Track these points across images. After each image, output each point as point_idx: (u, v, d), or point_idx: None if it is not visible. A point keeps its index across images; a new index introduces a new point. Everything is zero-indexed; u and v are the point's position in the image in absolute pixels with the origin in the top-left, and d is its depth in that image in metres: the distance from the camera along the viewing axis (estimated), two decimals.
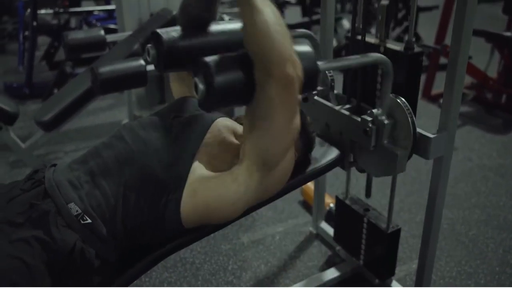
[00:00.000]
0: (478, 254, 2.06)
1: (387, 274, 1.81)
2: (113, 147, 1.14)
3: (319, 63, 1.17)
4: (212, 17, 1.21)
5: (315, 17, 5.65)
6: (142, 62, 1.67)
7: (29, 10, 3.79)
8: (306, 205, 2.41)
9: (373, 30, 1.56)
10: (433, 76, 3.75)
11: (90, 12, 4.60)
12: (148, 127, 1.18)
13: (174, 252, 1.19)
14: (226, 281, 1.93)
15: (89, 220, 1.03)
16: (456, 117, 1.37)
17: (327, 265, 2.00)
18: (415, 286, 1.65)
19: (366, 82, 1.50)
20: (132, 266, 1.13)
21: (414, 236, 2.15)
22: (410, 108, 1.34)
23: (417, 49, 1.39)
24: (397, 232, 1.73)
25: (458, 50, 1.28)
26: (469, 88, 3.71)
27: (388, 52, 1.43)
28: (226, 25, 1.23)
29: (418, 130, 1.36)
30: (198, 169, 1.11)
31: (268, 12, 1.01)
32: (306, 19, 5.85)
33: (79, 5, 4.81)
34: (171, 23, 2.58)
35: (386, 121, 1.35)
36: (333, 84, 1.61)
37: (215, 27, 1.20)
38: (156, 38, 1.17)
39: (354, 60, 1.37)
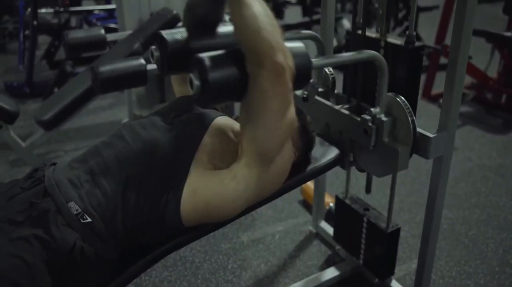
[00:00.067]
0: (477, 254, 2.06)
1: (387, 273, 1.82)
2: (113, 146, 1.14)
3: (313, 60, 1.18)
4: (219, 18, 1.20)
5: (315, 17, 5.65)
6: (142, 61, 1.67)
7: (29, 10, 3.79)
8: (306, 205, 2.41)
9: (373, 31, 1.55)
10: (433, 76, 3.75)
11: (91, 11, 4.61)
12: (148, 126, 1.18)
13: (174, 251, 1.20)
14: (226, 280, 1.93)
15: (89, 219, 1.03)
16: (456, 117, 1.38)
17: (327, 264, 2.00)
18: (414, 286, 1.65)
19: (366, 82, 1.50)
20: (132, 264, 1.13)
21: (414, 236, 2.15)
22: (409, 106, 1.34)
23: (417, 43, 1.39)
24: (397, 231, 1.73)
25: (458, 50, 1.28)
26: (469, 88, 3.71)
27: (388, 46, 1.43)
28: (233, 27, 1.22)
29: (418, 129, 1.36)
30: (197, 168, 1.11)
31: (256, 5, 1.03)
32: (306, 18, 5.86)
33: (79, 4, 4.82)
34: (171, 22, 2.59)
35: (384, 118, 1.35)
36: (334, 84, 1.62)
37: (221, 28, 1.18)
38: (160, 40, 1.17)
39: (347, 57, 1.38)
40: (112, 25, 3.96)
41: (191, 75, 1.05)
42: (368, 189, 1.82)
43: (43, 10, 4.18)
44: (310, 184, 2.27)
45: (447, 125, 1.36)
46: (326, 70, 1.61)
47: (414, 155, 1.40)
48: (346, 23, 4.61)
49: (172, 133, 1.15)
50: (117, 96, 3.84)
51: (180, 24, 2.63)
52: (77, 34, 2.63)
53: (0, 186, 1.13)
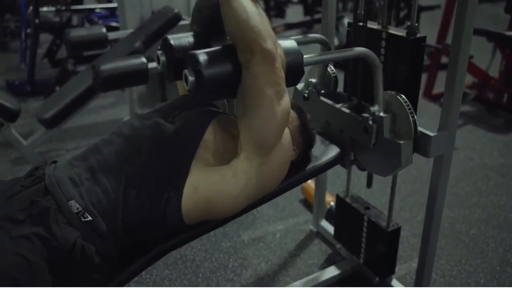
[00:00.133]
0: (478, 253, 2.06)
1: (387, 272, 1.82)
2: (113, 144, 1.14)
3: (305, 57, 1.20)
4: None
5: (316, 16, 5.65)
6: (143, 59, 1.67)
7: (31, 8, 3.79)
8: (306, 204, 2.41)
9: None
10: (435, 75, 3.75)
11: (92, 10, 4.62)
12: (149, 124, 1.18)
13: (175, 249, 1.20)
14: (226, 278, 1.93)
15: (90, 218, 1.04)
16: (456, 116, 1.38)
17: (327, 263, 2.00)
18: (415, 285, 1.65)
19: (366, 80, 1.50)
20: (133, 262, 1.13)
21: (414, 235, 2.15)
22: (410, 104, 1.34)
23: (419, 34, 1.38)
24: (397, 230, 1.73)
25: (458, 49, 1.28)
26: (471, 87, 3.71)
27: (390, 37, 1.43)
28: None
29: (419, 128, 1.36)
30: (198, 165, 1.12)
31: None
32: (308, 18, 5.86)
33: (81, 3, 4.83)
34: (173, 21, 2.59)
35: (383, 114, 1.35)
36: (336, 84, 1.62)
37: None
38: (167, 45, 1.17)
39: (338, 53, 1.39)
40: (114, 24, 3.97)
41: (185, 71, 1.06)
42: (369, 184, 1.82)
43: (44, 9, 4.18)
44: (311, 183, 2.27)
45: (448, 124, 1.36)
46: (329, 70, 1.61)
47: (416, 155, 1.40)
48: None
49: (173, 130, 1.16)
50: (119, 95, 3.85)
51: (182, 23, 2.63)
52: (79, 33, 2.64)
53: (1, 185, 1.13)
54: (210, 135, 1.16)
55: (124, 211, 1.07)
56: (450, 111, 1.35)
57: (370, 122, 1.37)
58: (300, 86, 1.70)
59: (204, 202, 1.10)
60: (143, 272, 1.89)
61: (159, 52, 1.19)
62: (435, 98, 3.70)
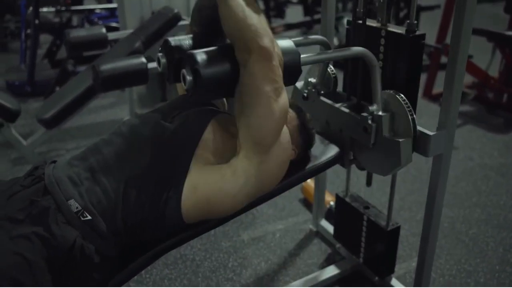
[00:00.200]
0: (478, 252, 2.06)
1: (387, 271, 1.82)
2: (113, 144, 1.15)
3: (302, 56, 1.20)
4: None
5: (316, 17, 5.66)
6: (143, 60, 1.68)
7: (31, 9, 3.80)
8: (306, 203, 2.41)
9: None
10: (435, 75, 3.75)
11: (92, 10, 4.62)
12: (148, 124, 1.18)
13: (175, 248, 1.20)
14: (226, 278, 1.93)
15: (89, 217, 1.04)
16: (455, 116, 1.38)
17: (327, 262, 2.00)
18: (414, 284, 1.65)
19: (366, 80, 1.50)
20: (133, 261, 1.13)
21: (414, 235, 2.15)
22: (409, 103, 1.34)
23: (418, 32, 1.38)
24: (397, 230, 1.73)
25: (457, 49, 1.28)
26: (471, 87, 3.71)
27: (389, 35, 1.43)
28: None
29: (418, 128, 1.36)
30: (198, 164, 1.12)
31: None
32: (307, 18, 5.86)
33: (81, 3, 4.83)
34: (172, 21, 2.60)
35: (381, 113, 1.36)
36: (336, 84, 1.62)
37: None
38: (167, 47, 1.17)
39: (335, 53, 1.39)
40: (114, 24, 3.98)
41: (183, 71, 1.07)
42: (368, 183, 1.82)
43: (44, 9, 4.19)
44: (311, 183, 2.28)
45: (447, 123, 1.36)
46: (329, 69, 1.61)
47: (415, 154, 1.40)
48: None
49: (172, 130, 1.16)
50: (118, 95, 3.85)
51: (181, 23, 2.64)
52: (79, 33, 2.64)
53: (1, 184, 1.13)
54: (209, 134, 1.17)
55: (124, 211, 1.07)
56: (449, 110, 1.35)
57: (369, 122, 1.37)
58: (299, 85, 1.71)
59: (203, 201, 1.10)
60: (143, 272, 1.89)
61: (160, 54, 1.20)
62: (435, 98, 3.70)
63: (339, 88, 1.66)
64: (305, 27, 5.85)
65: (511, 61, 3.42)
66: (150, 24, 2.66)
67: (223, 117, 1.23)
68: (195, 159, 1.12)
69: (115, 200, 1.07)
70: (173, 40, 1.17)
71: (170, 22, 2.59)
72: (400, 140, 1.33)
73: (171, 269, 1.97)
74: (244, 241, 2.15)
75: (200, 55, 1.05)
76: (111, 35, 2.70)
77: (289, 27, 5.79)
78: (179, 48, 1.16)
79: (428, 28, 4.70)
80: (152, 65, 1.52)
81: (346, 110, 1.49)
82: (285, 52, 1.14)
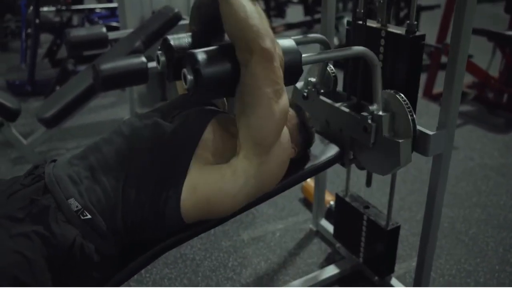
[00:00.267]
0: (478, 252, 2.06)
1: (387, 271, 1.82)
2: (113, 143, 1.15)
3: (303, 55, 1.20)
4: None
5: (317, 16, 5.66)
6: (143, 59, 1.68)
7: (31, 8, 3.80)
8: (306, 203, 2.41)
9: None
10: (435, 75, 3.75)
11: (93, 10, 4.63)
12: (148, 123, 1.18)
13: (175, 247, 1.20)
14: (226, 277, 1.93)
15: (89, 216, 1.04)
16: (455, 115, 1.38)
17: (327, 262, 2.00)
18: (414, 284, 1.65)
19: (366, 79, 1.51)
20: (133, 260, 1.14)
21: (414, 234, 2.15)
22: (409, 103, 1.34)
23: (418, 32, 1.39)
24: (397, 229, 1.73)
25: (457, 48, 1.28)
26: (471, 87, 3.71)
27: (389, 36, 1.43)
28: None
29: (418, 127, 1.36)
30: (197, 164, 1.12)
31: None
32: (308, 18, 5.87)
33: (81, 3, 4.84)
34: (173, 20, 2.60)
35: (382, 113, 1.36)
36: (336, 83, 1.62)
37: None
38: (166, 45, 1.17)
39: (336, 52, 1.39)
40: (114, 24, 3.98)
41: (184, 70, 1.07)
42: (368, 183, 1.82)
43: (45, 9, 4.19)
44: (311, 182, 2.28)
45: (447, 123, 1.36)
46: (328, 69, 1.61)
47: (415, 154, 1.40)
48: None
49: (172, 129, 1.16)
50: (119, 95, 3.85)
51: (182, 22, 2.64)
52: (79, 32, 2.64)
53: (1, 184, 1.13)
54: (209, 134, 1.17)
55: (123, 210, 1.07)
56: (449, 110, 1.35)
57: (369, 121, 1.37)
58: (299, 85, 1.71)
59: (203, 201, 1.10)
60: (143, 271, 1.90)
61: (159, 52, 1.20)
62: (435, 98, 3.70)
63: (339, 87, 1.66)
64: (306, 27, 5.85)
65: (511, 61, 3.42)
66: (151, 23, 2.65)
67: (223, 117, 1.24)
68: (195, 159, 1.12)
69: (114, 199, 1.07)
70: (172, 38, 1.17)
71: (171, 21, 2.58)
72: (400, 140, 1.33)
73: (171, 269, 1.97)
74: (244, 240, 2.15)
75: (201, 54, 1.05)
76: (112, 35, 2.70)
77: (290, 26, 5.80)
78: (178, 46, 1.16)
79: (429, 28, 4.71)
80: (152, 64, 1.52)
81: (346, 110, 1.50)
82: (286, 51, 1.14)
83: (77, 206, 1.04)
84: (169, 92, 2.97)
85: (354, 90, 1.56)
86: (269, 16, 5.69)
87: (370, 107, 1.37)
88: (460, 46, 1.28)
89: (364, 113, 1.39)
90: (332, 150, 1.49)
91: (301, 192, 2.45)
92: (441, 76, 3.68)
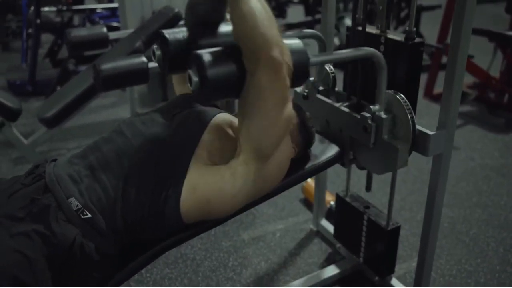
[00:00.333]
0: (478, 252, 2.06)
1: (387, 271, 1.82)
2: (113, 142, 1.15)
3: (311, 56, 1.18)
4: (221, 18, 1.20)
5: (318, 16, 5.65)
6: (144, 59, 1.67)
7: (32, 8, 3.81)
8: (307, 203, 2.41)
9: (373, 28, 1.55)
10: (436, 75, 3.75)
11: (93, 10, 4.63)
12: (148, 123, 1.18)
13: (175, 247, 1.20)
14: (226, 277, 1.93)
15: (89, 215, 1.04)
16: (455, 115, 1.38)
17: (327, 262, 2.00)
18: (414, 284, 1.65)
19: (366, 79, 1.51)
20: (133, 260, 1.14)
21: (414, 235, 2.15)
22: (409, 103, 1.34)
23: (417, 39, 1.39)
24: (397, 229, 1.73)
25: (457, 48, 1.28)
26: (472, 87, 3.71)
27: (388, 42, 1.43)
28: None
29: (418, 127, 1.36)
30: (197, 164, 1.12)
31: (254, 0, 1.03)
32: (309, 18, 5.86)
33: (82, 3, 4.84)
34: (173, 20, 2.59)
35: (384, 116, 1.36)
36: (335, 82, 1.62)
37: (223, 28, 1.18)
38: (161, 39, 1.17)
39: (345, 53, 1.38)
40: (115, 24, 3.98)
41: (190, 72, 1.05)
42: (368, 188, 1.83)
43: (46, 9, 4.20)
44: (311, 182, 2.28)
45: (447, 123, 1.36)
46: (327, 68, 1.61)
47: (416, 154, 1.40)
48: (348, 23, 4.61)
49: (172, 129, 1.16)
50: (119, 95, 3.86)
51: (182, 22, 2.64)
52: (80, 32, 2.64)
53: (2, 183, 1.13)
54: (209, 134, 1.17)
55: (123, 209, 1.07)
56: (449, 110, 1.35)
57: (369, 121, 1.37)
58: None
59: (203, 201, 1.10)
60: (143, 271, 1.90)
61: (155, 46, 1.20)
62: (436, 98, 3.70)
63: (340, 87, 1.66)
64: (306, 27, 5.84)
65: None
66: (151, 23, 2.65)
67: (224, 117, 1.23)
68: (195, 158, 1.12)
69: (114, 198, 1.07)
70: (167, 32, 1.17)
71: (171, 21, 2.58)
72: (399, 147, 1.33)
73: (171, 269, 1.97)
74: (245, 240, 2.15)
75: (207, 56, 1.03)
76: (112, 35, 2.70)
77: (290, 27, 5.79)
78: (173, 40, 1.15)
79: (429, 28, 4.72)
80: (153, 64, 1.52)
81: (346, 110, 1.50)
82: (293, 52, 1.10)
83: (77, 205, 1.04)
84: (170, 92, 2.96)
85: (354, 90, 1.56)
86: None
87: (372, 107, 1.37)
88: (460, 46, 1.27)
89: (364, 113, 1.39)
90: (332, 150, 1.49)
91: (301, 192, 2.45)
92: (442, 76, 3.67)
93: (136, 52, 2.41)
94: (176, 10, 2.60)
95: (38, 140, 2.67)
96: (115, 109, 3.69)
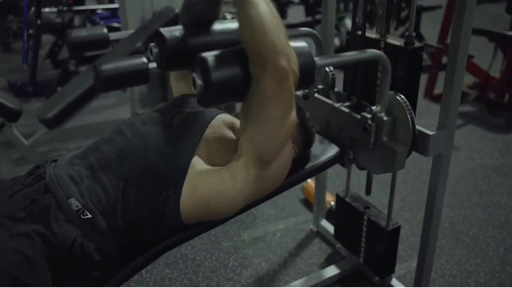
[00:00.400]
0: (478, 252, 2.06)
1: (387, 272, 1.82)
2: (113, 142, 1.15)
3: (316, 59, 1.17)
4: (215, 16, 1.21)
5: (318, 17, 5.65)
6: (144, 59, 1.68)
7: (33, 9, 3.81)
8: (307, 203, 2.41)
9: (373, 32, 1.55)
10: (436, 75, 3.75)
11: (94, 11, 4.64)
12: (148, 123, 1.18)
13: (175, 247, 1.20)
14: (226, 278, 1.93)
15: (89, 215, 1.04)
16: (455, 115, 1.38)
17: (327, 262, 2.01)
18: (414, 284, 1.65)
19: (366, 80, 1.51)
20: (133, 260, 1.14)
21: (414, 235, 2.15)
22: (409, 105, 1.34)
23: (417, 44, 1.39)
24: (397, 229, 1.74)
25: (457, 49, 1.28)
26: (472, 87, 3.71)
27: (388, 47, 1.44)
28: (229, 24, 1.22)
29: (418, 127, 1.36)
30: (197, 164, 1.12)
31: (263, 6, 1.02)
32: (309, 18, 5.86)
33: (83, 4, 4.85)
34: (173, 21, 2.60)
35: (385, 118, 1.36)
36: (334, 81, 1.62)
37: (218, 26, 1.19)
38: (159, 37, 1.17)
39: (351, 56, 1.38)
40: (115, 24, 3.99)
41: (194, 75, 1.04)
42: (368, 191, 1.83)
43: (46, 10, 4.20)
44: (311, 183, 2.28)
45: (447, 123, 1.36)
46: (326, 68, 1.61)
47: (416, 154, 1.41)
48: (349, 23, 4.62)
49: (172, 130, 1.16)
50: (120, 95, 3.86)
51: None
52: (80, 33, 2.64)
53: (2, 183, 1.14)
54: (209, 134, 1.17)
55: (123, 209, 1.07)
56: (449, 110, 1.35)
57: (369, 122, 1.37)
58: None
59: (203, 202, 1.10)
60: (143, 271, 1.90)
61: (152, 44, 1.20)
62: (436, 98, 3.70)
63: (339, 87, 1.66)
64: (307, 27, 5.84)
65: None
66: (151, 24, 2.66)
67: (224, 118, 1.23)
68: (195, 158, 1.12)
69: (115, 198, 1.07)
70: (164, 30, 1.17)
71: (171, 22, 2.58)
72: (397, 149, 1.34)
73: (171, 269, 1.97)
74: (245, 241, 2.15)
75: (212, 59, 1.02)
76: (113, 35, 2.70)
77: (291, 27, 5.78)
78: (170, 37, 1.16)
79: (430, 28, 4.72)
80: (153, 65, 1.52)
81: (346, 110, 1.50)
82: (299, 55, 1.09)
83: (77, 206, 1.04)
84: (170, 92, 2.97)
85: (354, 90, 1.56)
86: None
87: (374, 108, 1.37)
88: (460, 46, 1.28)
89: (365, 114, 1.39)
90: (332, 150, 1.50)
91: (301, 192, 2.45)
92: (442, 76, 3.67)
93: (137, 52, 2.41)
94: (177, 10, 2.61)
95: (39, 141, 2.68)
96: (115, 110, 3.70)
